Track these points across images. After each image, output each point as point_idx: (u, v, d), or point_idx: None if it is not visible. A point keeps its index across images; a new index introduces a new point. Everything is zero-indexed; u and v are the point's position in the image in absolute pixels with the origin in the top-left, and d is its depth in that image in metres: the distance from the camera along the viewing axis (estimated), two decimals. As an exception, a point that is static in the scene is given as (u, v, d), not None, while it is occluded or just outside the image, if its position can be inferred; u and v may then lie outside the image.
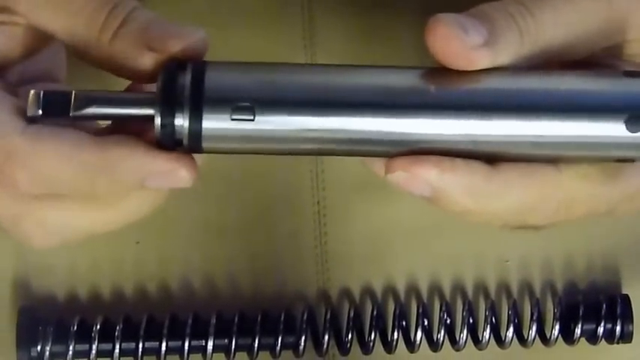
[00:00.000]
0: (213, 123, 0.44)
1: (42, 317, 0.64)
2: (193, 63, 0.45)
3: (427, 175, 0.44)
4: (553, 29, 0.46)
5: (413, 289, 0.66)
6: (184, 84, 0.44)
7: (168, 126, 0.44)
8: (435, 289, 0.66)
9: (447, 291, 0.67)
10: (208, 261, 0.66)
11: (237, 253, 0.66)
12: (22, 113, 0.46)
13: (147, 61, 0.45)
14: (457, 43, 0.44)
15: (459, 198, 0.45)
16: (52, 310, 0.65)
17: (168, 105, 0.44)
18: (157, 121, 0.44)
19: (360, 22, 0.64)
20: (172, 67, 0.45)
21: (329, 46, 0.64)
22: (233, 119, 0.44)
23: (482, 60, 0.44)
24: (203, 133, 0.44)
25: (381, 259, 0.66)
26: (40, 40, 0.48)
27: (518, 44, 0.45)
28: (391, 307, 0.66)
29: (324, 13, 0.64)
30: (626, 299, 0.66)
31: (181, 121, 0.44)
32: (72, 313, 0.64)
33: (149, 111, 0.44)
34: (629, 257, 0.67)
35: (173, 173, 0.45)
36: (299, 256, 0.66)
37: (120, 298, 0.65)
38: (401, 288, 0.66)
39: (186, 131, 0.44)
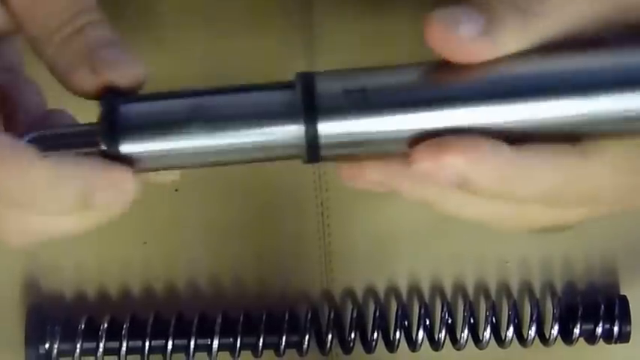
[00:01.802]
0: (329, 129, 0.44)
1: (50, 316, 0.65)
2: (303, 75, 0.44)
3: (454, 162, 0.42)
4: (560, 10, 0.43)
5: (415, 289, 0.67)
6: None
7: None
8: (437, 290, 0.67)
9: (449, 291, 0.67)
10: (214, 261, 0.66)
11: (241, 254, 0.66)
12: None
13: (86, 79, 0.44)
14: (452, 36, 0.42)
15: (485, 183, 0.43)
16: (60, 308, 0.65)
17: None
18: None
19: (360, 26, 0.64)
20: (111, 99, 0.43)
21: (329, 50, 0.64)
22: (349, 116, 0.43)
23: (483, 51, 0.42)
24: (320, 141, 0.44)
25: (383, 259, 0.67)
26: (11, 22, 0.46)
27: (521, 29, 0.42)
28: (393, 306, 0.66)
29: (324, 18, 0.64)
30: (624, 300, 0.67)
31: (300, 131, 0.44)
32: (80, 312, 0.65)
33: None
34: (628, 259, 0.68)
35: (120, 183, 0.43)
36: (303, 256, 0.66)
37: (127, 297, 0.66)
38: (403, 288, 0.67)
39: (303, 141, 0.44)
